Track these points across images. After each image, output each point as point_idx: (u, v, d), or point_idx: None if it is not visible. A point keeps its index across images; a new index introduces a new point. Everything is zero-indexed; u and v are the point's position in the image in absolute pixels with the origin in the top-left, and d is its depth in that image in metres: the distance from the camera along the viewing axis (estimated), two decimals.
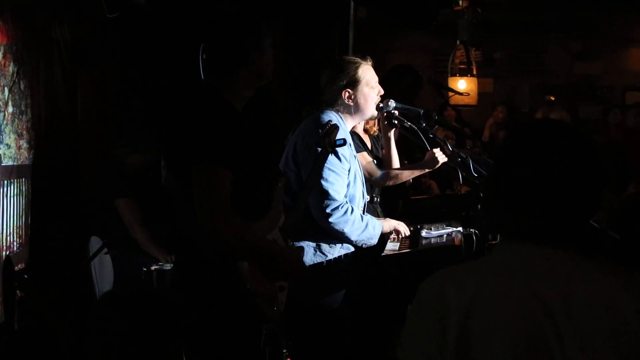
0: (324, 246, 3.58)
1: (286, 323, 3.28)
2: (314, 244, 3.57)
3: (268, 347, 2.64)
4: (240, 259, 2.70)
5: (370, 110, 3.74)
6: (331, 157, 3.46)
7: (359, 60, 3.71)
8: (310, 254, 3.56)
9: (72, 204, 4.34)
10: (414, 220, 4.03)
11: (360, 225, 3.56)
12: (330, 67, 3.76)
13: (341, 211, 3.50)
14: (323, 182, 3.47)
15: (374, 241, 3.65)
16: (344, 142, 3.31)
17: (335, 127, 3.31)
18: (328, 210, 3.49)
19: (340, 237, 3.56)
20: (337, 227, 3.51)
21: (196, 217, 2.63)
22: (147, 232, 4.60)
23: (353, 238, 3.57)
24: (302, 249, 3.25)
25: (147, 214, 4.61)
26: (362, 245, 3.62)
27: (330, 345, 3.55)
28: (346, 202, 3.54)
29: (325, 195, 3.49)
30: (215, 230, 2.60)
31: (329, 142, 3.24)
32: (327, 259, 3.57)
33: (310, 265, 3.54)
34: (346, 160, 3.53)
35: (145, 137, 4.61)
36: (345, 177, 3.55)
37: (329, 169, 3.47)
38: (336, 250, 3.59)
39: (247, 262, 2.71)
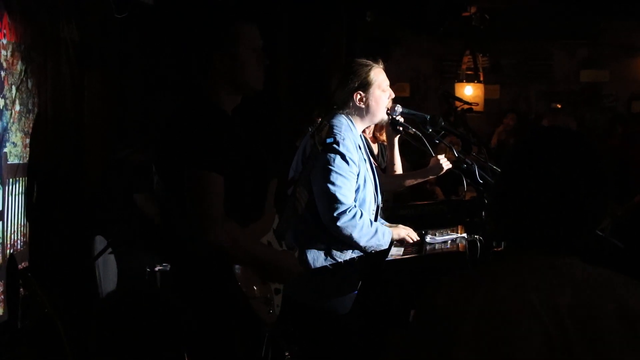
0: (335, 251, 3.57)
1: (293, 326, 3.27)
2: (324, 249, 3.56)
3: (270, 351, 2.63)
4: (235, 263, 2.67)
5: (381, 114, 3.72)
6: (339, 161, 3.45)
7: (370, 62, 3.69)
8: (321, 259, 3.54)
9: (76, 202, 4.34)
10: (419, 226, 4.02)
11: (369, 230, 3.54)
12: (341, 70, 3.75)
13: (349, 215, 3.48)
14: (330, 186, 3.44)
15: (384, 248, 3.64)
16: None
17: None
18: (335, 214, 3.47)
19: (349, 242, 3.54)
20: (345, 232, 3.50)
21: (188, 220, 2.61)
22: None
23: (362, 243, 3.55)
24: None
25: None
26: (371, 250, 3.61)
27: (336, 349, 3.54)
28: (354, 206, 3.52)
29: (333, 199, 3.47)
30: (209, 236, 2.57)
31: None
32: (337, 262, 3.57)
33: (320, 269, 3.54)
34: (354, 164, 3.52)
35: (142, 137, 4.61)
36: (353, 181, 3.53)
37: (337, 173, 3.45)
38: (347, 255, 3.58)
39: (241, 265, 2.69)
